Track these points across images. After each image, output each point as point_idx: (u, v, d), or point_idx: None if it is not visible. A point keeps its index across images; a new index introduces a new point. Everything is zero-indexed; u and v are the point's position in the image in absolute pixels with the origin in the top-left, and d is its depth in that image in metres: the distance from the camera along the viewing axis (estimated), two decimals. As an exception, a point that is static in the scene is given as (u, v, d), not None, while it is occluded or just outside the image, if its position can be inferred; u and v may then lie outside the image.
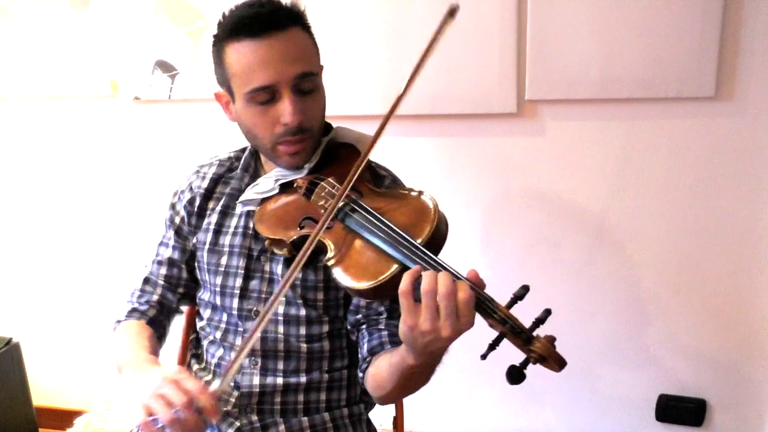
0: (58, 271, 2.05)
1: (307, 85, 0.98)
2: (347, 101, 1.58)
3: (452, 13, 0.88)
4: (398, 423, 1.26)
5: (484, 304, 0.76)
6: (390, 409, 1.22)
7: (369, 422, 1.17)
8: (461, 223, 1.65)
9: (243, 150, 1.17)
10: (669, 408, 1.63)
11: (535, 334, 0.76)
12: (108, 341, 1.14)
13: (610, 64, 1.43)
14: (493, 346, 0.77)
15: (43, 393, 2.16)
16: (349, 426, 1.10)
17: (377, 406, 1.16)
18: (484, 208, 1.64)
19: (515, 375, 0.76)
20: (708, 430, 1.64)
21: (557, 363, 0.75)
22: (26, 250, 2.07)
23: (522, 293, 0.77)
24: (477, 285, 0.78)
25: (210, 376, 1.12)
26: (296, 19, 0.98)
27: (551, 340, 0.75)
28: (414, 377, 0.90)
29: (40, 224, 2.02)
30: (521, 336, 0.75)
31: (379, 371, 0.96)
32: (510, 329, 0.75)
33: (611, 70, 1.44)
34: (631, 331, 1.62)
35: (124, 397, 0.95)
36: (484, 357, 0.77)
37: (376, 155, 1.08)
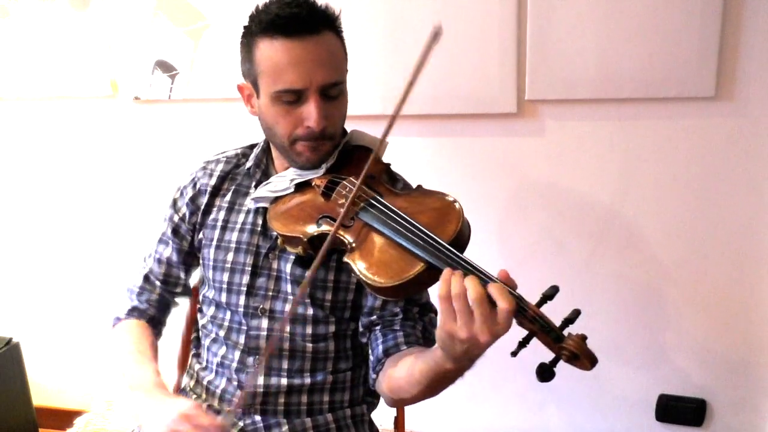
0: (58, 271, 2.05)
1: (334, 91, 0.98)
2: (349, 101, 1.58)
3: (437, 36, 0.85)
4: (399, 423, 1.26)
5: (515, 303, 0.75)
6: (391, 410, 1.22)
7: (371, 423, 1.17)
8: (461, 223, 1.65)
9: (251, 147, 1.17)
10: (669, 408, 1.63)
11: (565, 332, 0.76)
12: (108, 338, 1.15)
13: (610, 64, 1.43)
14: (523, 344, 0.77)
15: (43, 393, 2.15)
16: (351, 426, 1.10)
17: (379, 406, 1.16)
18: (484, 208, 1.64)
19: (545, 373, 0.76)
20: (708, 430, 1.64)
21: (589, 360, 0.75)
22: (26, 250, 2.06)
23: (552, 293, 0.77)
24: (509, 286, 0.77)
25: (212, 375, 1.12)
26: (331, 25, 0.97)
27: (583, 338, 0.75)
28: (447, 380, 0.89)
29: (40, 224, 2.02)
30: (551, 335, 0.75)
31: (401, 375, 0.94)
32: (540, 328, 0.75)
33: (611, 70, 1.44)
34: (631, 331, 1.62)
35: (137, 419, 0.98)
36: (514, 354, 0.77)
37: (389, 159, 1.08)
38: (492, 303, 0.74)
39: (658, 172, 1.50)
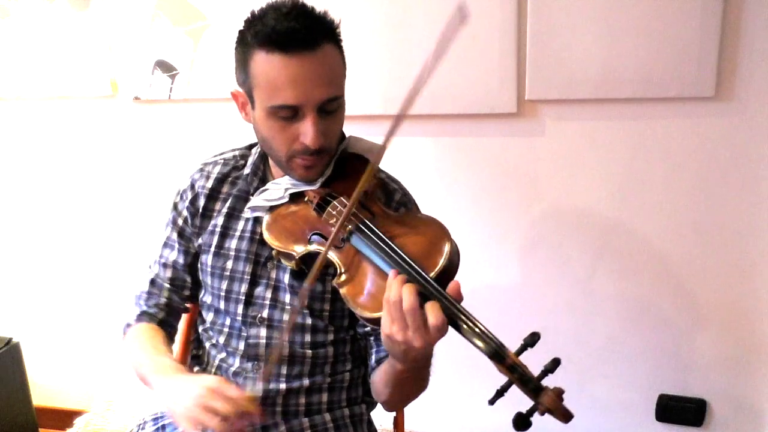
0: (58, 271, 2.05)
1: (332, 106, 0.95)
2: (348, 101, 1.58)
3: (463, 18, 0.81)
4: (398, 423, 1.26)
5: (495, 352, 0.76)
6: (390, 410, 1.23)
7: (370, 422, 1.17)
8: (460, 223, 1.65)
9: (249, 147, 1.16)
10: (669, 408, 1.63)
11: (544, 384, 0.75)
12: (122, 345, 1.14)
13: (611, 63, 1.43)
14: (501, 393, 0.77)
15: (43, 393, 2.16)
16: (350, 426, 1.10)
17: (379, 406, 1.16)
18: (483, 208, 1.64)
19: (520, 423, 0.75)
20: (708, 430, 1.64)
21: (563, 416, 0.74)
22: (26, 250, 2.06)
23: (532, 341, 0.76)
24: (456, 300, 0.79)
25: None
26: (330, 36, 0.93)
27: (559, 393, 0.74)
28: (405, 382, 0.92)
29: (40, 224, 2.02)
30: (529, 385, 0.75)
31: (378, 379, 1.00)
32: (518, 378, 0.75)
33: (611, 69, 1.44)
34: (631, 330, 1.62)
35: (161, 404, 0.97)
36: (491, 402, 0.77)
37: (384, 164, 1.08)
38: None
39: (658, 172, 1.50)
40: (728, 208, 1.48)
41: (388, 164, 1.13)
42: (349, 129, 1.11)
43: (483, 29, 1.48)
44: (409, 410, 1.28)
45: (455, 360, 1.74)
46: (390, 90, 1.56)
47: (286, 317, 1.04)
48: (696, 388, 1.62)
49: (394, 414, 1.26)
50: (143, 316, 1.14)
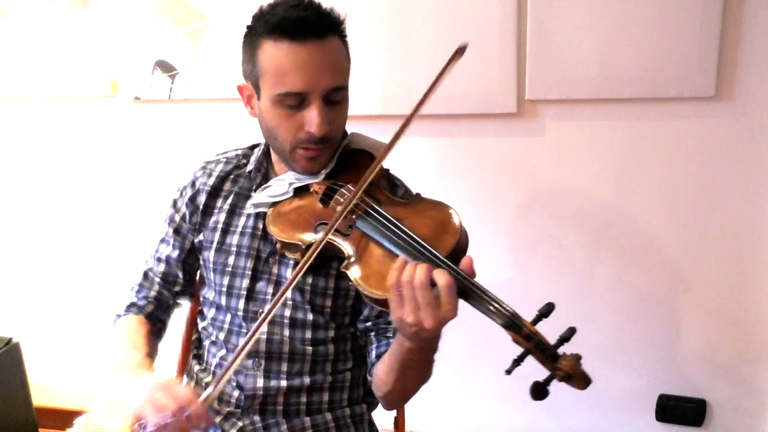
0: (58, 271, 2.05)
1: (336, 96, 0.97)
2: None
3: (461, 51, 0.91)
4: (399, 423, 1.26)
5: (511, 321, 0.77)
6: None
7: (371, 422, 1.17)
8: (461, 223, 1.65)
9: (252, 148, 1.17)
10: (669, 408, 1.63)
11: (560, 351, 0.76)
12: (108, 336, 1.15)
13: (610, 64, 1.43)
14: (518, 362, 0.77)
15: (43, 393, 2.16)
16: (351, 426, 1.10)
17: (380, 406, 1.17)
18: (484, 208, 1.64)
19: (538, 391, 0.76)
20: (708, 430, 1.64)
21: (583, 381, 0.76)
22: (26, 250, 2.06)
23: (547, 311, 0.77)
24: (468, 275, 0.80)
25: (210, 378, 1.12)
26: (336, 30, 0.97)
27: (577, 358, 0.76)
28: (411, 366, 0.91)
29: (40, 224, 2.02)
30: (546, 353, 0.75)
31: (382, 366, 0.98)
32: (535, 346, 0.75)
33: (611, 70, 1.44)
34: (631, 331, 1.62)
35: (119, 398, 0.96)
36: (509, 372, 0.77)
37: (389, 163, 1.08)
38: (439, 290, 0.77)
39: (658, 172, 1.50)
40: (728, 208, 1.48)
41: (388, 164, 1.13)
42: (349, 129, 1.11)
43: (483, 29, 1.48)
44: (409, 410, 1.28)
45: (455, 360, 1.74)
46: (389, 90, 1.56)
47: (287, 312, 1.05)
48: (696, 388, 1.62)
49: (394, 413, 1.26)
50: (132, 307, 1.15)
